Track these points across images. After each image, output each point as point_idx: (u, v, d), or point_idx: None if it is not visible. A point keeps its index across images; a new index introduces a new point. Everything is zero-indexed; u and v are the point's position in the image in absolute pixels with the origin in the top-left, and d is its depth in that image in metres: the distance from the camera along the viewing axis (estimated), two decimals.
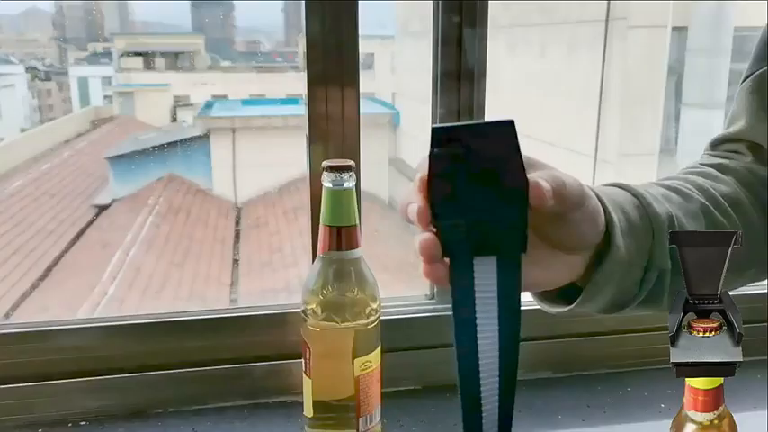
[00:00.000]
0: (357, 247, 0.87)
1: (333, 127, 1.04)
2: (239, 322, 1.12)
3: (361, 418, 0.89)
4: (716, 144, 0.74)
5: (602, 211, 0.52)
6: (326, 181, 0.84)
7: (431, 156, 0.40)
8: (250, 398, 1.11)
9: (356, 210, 0.86)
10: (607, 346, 1.21)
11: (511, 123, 0.40)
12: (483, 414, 0.42)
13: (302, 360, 0.91)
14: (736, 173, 0.65)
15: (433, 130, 0.40)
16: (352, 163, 0.85)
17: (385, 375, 0.94)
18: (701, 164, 0.69)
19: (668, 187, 0.60)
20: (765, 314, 1.19)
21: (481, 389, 0.42)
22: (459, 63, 1.06)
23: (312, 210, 1.05)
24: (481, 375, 0.41)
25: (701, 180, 0.63)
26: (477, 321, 0.41)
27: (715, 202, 0.58)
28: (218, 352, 1.10)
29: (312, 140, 1.06)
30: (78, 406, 1.05)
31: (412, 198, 0.42)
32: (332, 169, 0.83)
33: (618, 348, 1.22)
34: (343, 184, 0.84)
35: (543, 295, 0.58)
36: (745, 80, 0.74)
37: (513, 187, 0.40)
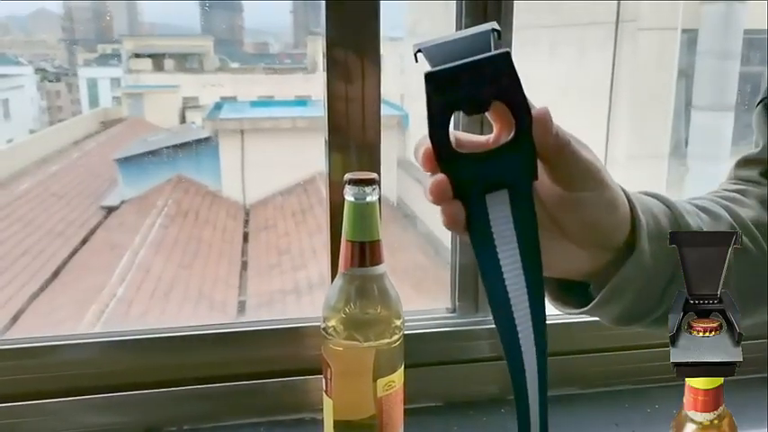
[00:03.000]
0: (381, 263, 0.83)
1: (353, 132, 1.02)
2: (253, 336, 1.08)
3: None
4: (740, 165, 0.73)
5: (625, 207, 0.50)
6: (349, 194, 0.80)
7: (428, 102, 0.40)
8: (266, 415, 1.07)
9: (379, 224, 0.82)
10: (632, 361, 1.17)
11: (506, 55, 0.39)
12: (522, 349, 0.42)
13: (323, 378, 0.88)
14: (759, 197, 0.65)
15: (427, 76, 0.39)
16: (375, 176, 0.80)
17: (406, 392, 0.90)
18: (723, 189, 0.69)
19: (696, 206, 0.58)
20: (765, 330, 1.16)
21: (516, 323, 0.42)
22: None
23: (330, 210, 1.02)
24: (514, 312, 0.41)
25: (726, 203, 0.62)
26: (500, 257, 0.41)
27: (742, 225, 0.57)
28: (231, 367, 1.06)
29: (331, 147, 1.01)
30: (86, 425, 1.01)
31: (423, 141, 0.42)
32: (355, 182, 0.79)
33: (643, 363, 1.17)
34: (365, 198, 0.80)
35: (557, 295, 0.57)
36: (759, 103, 0.73)
37: (518, 117, 0.40)
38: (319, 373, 0.88)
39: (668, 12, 2.83)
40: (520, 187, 0.40)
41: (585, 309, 0.52)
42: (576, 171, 0.45)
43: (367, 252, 0.82)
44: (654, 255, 0.48)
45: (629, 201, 0.50)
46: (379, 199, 0.84)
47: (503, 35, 1.05)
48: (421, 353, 1.08)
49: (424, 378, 1.09)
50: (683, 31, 2.78)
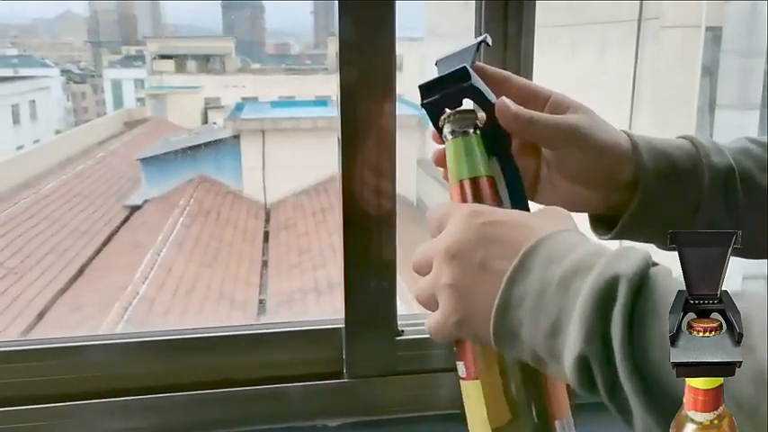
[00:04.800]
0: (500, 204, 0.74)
1: (367, 130, 0.99)
2: (273, 339, 1.01)
3: (557, 422, 0.61)
4: None
5: (620, 150, 0.55)
6: (454, 128, 0.69)
7: (422, 106, 0.53)
8: (285, 421, 0.99)
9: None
10: None
11: (462, 69, 0.53)
12: None
13: (459, 363, 0.66)
14: None
15: (419, 87, 0.53)
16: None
17: None
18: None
19: (753, 140, 0.61)
20: None
21: None
22: (503, 65, 1.01)
23: (344, 210, 0.97)
24: None
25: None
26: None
27: None
28: (251, 371, 0.99)
29: (345, 147, 0.96)
30: (105, 429, 0.96)
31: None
32: (456, 116, 0.71)
33: None
34: (470, 132, 0.70)
35: (595, 225, 0.61)
36: None
37: (483, 109, 0.53)
38: (337, 377, 0.87)
39: (692, 9, 2.81)
40: (502, 155, 0.54)
41: (609, 236, 0.58)
42: (550, 135, 0.54)
43: (483, 189, 0.66)
44: (664, 191, 0.53)
45: (634, 144, 0.56)
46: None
47: (523, 36, 1.04)
48: None
49: None
50: (708, 28, 2.75)
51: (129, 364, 0.98)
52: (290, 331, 1.00)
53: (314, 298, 2.38)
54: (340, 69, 0.97)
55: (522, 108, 0.53)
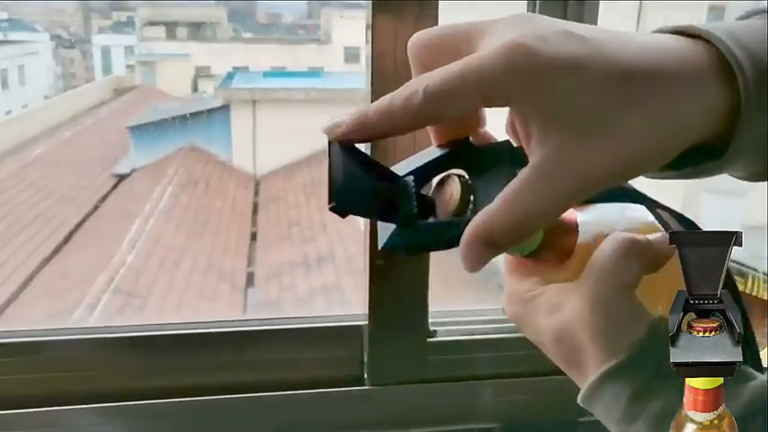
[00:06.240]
0: None
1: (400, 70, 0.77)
2: (281, 337, 0.87)
3: None
4: None
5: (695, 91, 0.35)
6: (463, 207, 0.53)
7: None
8: None
9: None
10: None
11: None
12: None
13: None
14: None
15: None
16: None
17: None
18: None
19: None
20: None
21: None
22: None
23: None
24: None
25: None
26: None
27: None
28: (253, 375, 0.86)
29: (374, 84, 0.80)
30: None
31: None
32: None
33: None
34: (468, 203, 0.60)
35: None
36: None
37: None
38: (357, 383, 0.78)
39: None
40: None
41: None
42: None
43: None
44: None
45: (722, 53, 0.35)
46: None
47: None
48: None
49: None
50: (710, 8, 2.74)
51: (107, 362, 0.83)
52: (301, 328, 0.88)
53: (303, 271, 2.38)
54: (372, 16, 0.78)
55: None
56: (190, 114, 2.55)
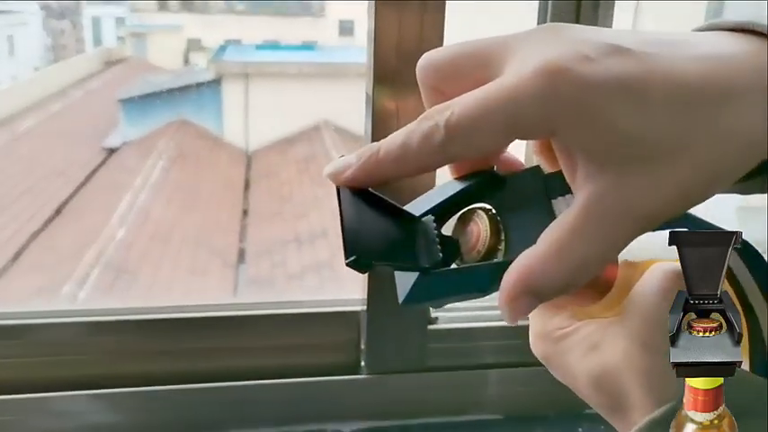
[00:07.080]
0: None
1: (407, 81, 0.72)
2: (274, 322, 0.83)
3: None
4: None
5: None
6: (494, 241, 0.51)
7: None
8: (287, 424, 0.83)
9: None
10: None
11: None
12: None
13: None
14: None
15: None
16: None
17: None
18: None
19: None
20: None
21: None
22: None
23: None
24: None
25: None
26: None
27: None
28: (245, 362, 0.82)
29: (376, 100, 0.75)
30: (72, 426, 0.79)
31: None
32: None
33: None
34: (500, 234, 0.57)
35: None
36: None
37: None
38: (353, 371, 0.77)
39: None
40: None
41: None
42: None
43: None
44: None
45: None
46: None
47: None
48: None
49: None
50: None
51: (97, 347, 0.80)
52: (295, 313, 0.84)
53: (295, 247, 2.37)
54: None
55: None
56: (181, 87, 2.53)
